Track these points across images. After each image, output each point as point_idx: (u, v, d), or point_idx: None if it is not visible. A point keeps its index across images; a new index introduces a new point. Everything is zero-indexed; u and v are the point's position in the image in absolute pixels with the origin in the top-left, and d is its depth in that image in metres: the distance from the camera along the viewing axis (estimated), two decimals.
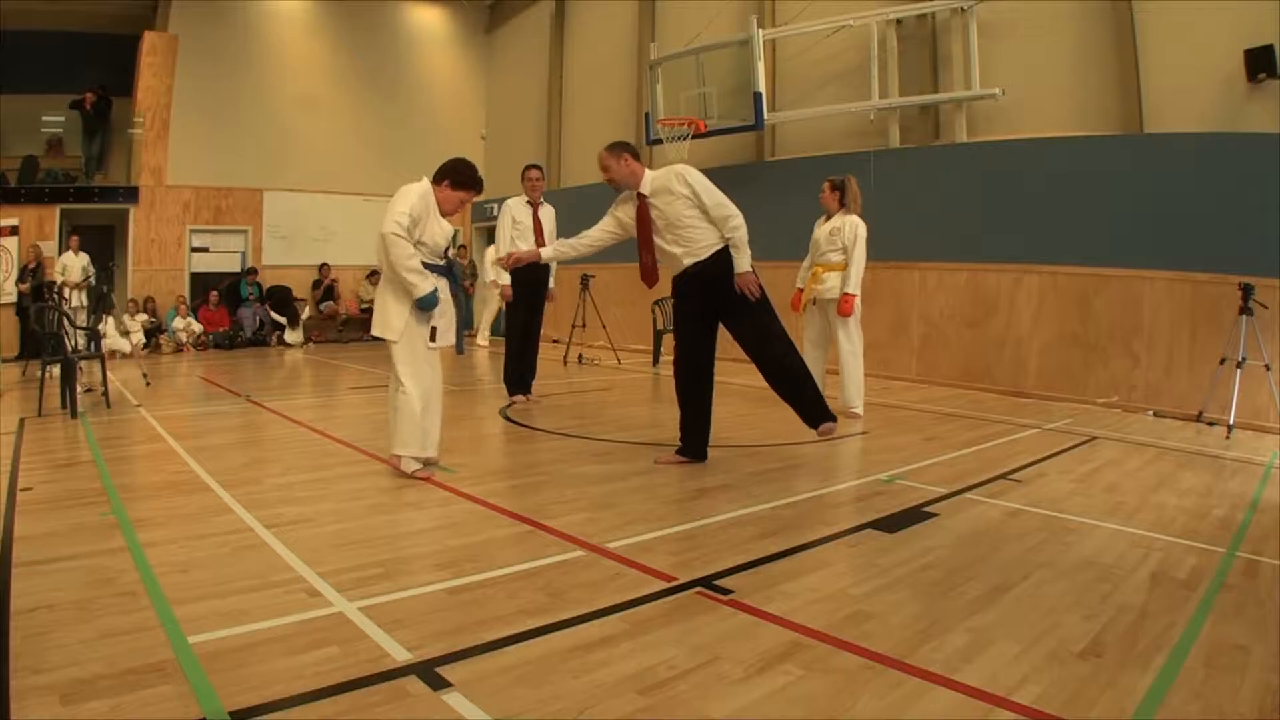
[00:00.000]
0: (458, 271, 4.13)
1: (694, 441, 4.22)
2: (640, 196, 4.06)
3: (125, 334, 10.24)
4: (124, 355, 9.48)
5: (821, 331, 5.92)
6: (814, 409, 4.14)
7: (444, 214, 3.90)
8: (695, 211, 3.96)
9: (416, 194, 3.77)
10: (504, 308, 6.36)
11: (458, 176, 3.92)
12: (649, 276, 4.18)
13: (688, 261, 4.01)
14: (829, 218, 5.84)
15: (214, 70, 11.67)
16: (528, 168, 6.27)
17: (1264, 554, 2.97)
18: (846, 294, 5.65)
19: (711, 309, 4.07)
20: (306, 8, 12.82)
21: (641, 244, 4.11)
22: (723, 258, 3.98)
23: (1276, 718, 1.82)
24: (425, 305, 3.78)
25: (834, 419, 4.16)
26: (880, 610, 2.38)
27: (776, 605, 2.40)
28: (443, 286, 3.93)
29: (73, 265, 9.58)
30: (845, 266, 5.66)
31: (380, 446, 4.34)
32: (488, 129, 14.61)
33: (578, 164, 12.60)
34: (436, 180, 3.91)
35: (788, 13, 9.21)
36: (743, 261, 3.96)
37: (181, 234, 11.60)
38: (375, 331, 3.92)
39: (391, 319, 3.82)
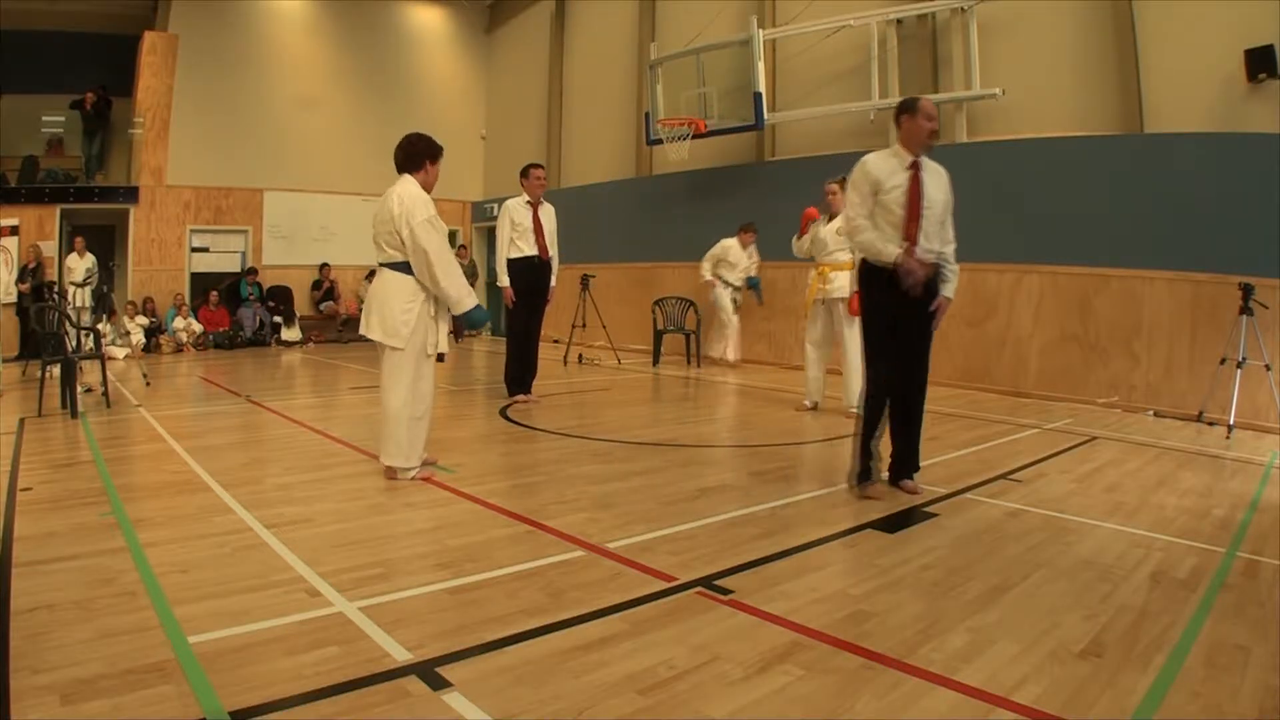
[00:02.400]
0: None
1: (867, 461, 3.82)
2: (915, 165, 3.76)
3: (125, 334, 10.24)
4: (120, 357, 9.47)
5: (825, 332, 5.92)
6: (910, 460, 3.89)
7: (431, 189, 3.89)
8: (944, 214, 3.79)
9: (421, 190, 3.80)
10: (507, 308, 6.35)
11: (431, 152, 3.90)
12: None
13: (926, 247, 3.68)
14: (832, 217, 5.83)
15: (214, 70, 11.68)
16: (532, 166, 6.25)
17: (1264, 554, 2.97)
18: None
19: (902, 313, 3.73)
20: (306, 8, 12.82)
21: (911, 215, 3.72)
22: (938, 271, 3.77)
23: (1276, 718, 1.82)
24: (478, 321, 3.86)
25: (915, 475, 3.88)
26: (880, 610, 2.38)
27: (776, 605, 2.40)
28: None
29: (76, 267, 9.58)
30: (854, 265, 5.64)
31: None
32: (488, 129, 14.62)
33: (578, 164, 12.59)
34: (415, 169, 3.86)
35: (788, 13, 9.21)
36: (951, 289, 3.81)
37: (181, 234, 11.59)
38: (376, 335, 3.79)
39: (399, 325, 3.73)
